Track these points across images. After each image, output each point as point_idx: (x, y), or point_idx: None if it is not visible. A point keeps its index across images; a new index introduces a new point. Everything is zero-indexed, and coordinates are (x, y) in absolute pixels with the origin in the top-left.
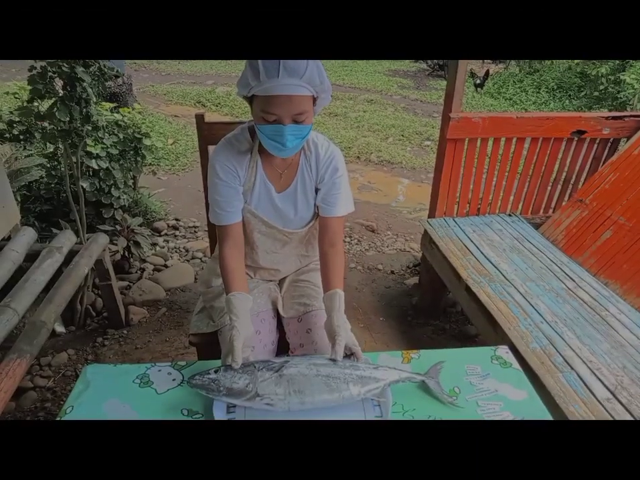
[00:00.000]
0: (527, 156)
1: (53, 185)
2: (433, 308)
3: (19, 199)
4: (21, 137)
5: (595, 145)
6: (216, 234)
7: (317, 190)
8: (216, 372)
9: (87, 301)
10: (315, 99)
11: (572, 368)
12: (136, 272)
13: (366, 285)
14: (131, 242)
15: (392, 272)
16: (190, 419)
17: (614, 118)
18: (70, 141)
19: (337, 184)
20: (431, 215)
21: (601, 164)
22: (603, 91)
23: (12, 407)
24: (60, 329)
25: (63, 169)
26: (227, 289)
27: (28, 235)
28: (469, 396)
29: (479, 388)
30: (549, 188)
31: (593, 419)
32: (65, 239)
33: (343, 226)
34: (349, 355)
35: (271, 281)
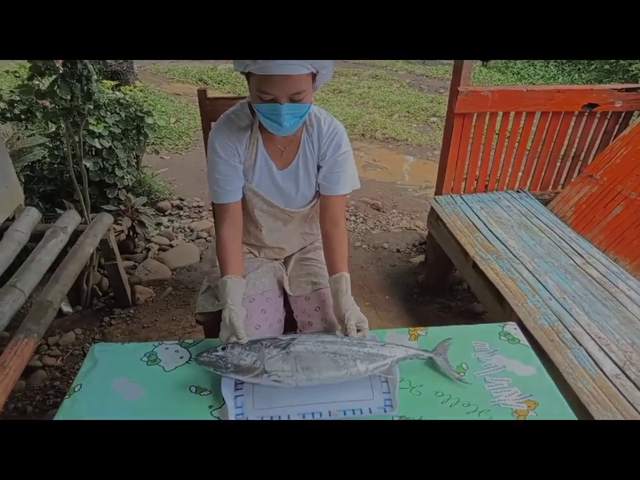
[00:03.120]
0: (536, 131)
1: (56, 165)
2: (439, 286)
3: (23, 180)
4: (23, 116)
5: (607, 119)
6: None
7: (319, 167)
8: (223, 349)
9: (93, 281)
10: (314, 75)
11: (580, 344)
12: (141, 252)
13: (371, 264)
14: (136, 222)
15: (397, 250)
16: (198, 395)
17: (627, 90)
18: (72, 120)
19: (340, 162)
20: (438, 192)
21: (612, 138)
22: (613, 64)
23: (22, 386)
24: (67, 308)
25: (65, 148)
26: (222, 271)
27: (32, 215)
28: (476, 372)
29: (487, 364)
30: (558, 163)
31: (602, 395)
32: (69, 219)
33: (345, 205)
34: (357, 330)
35: (275, 259)
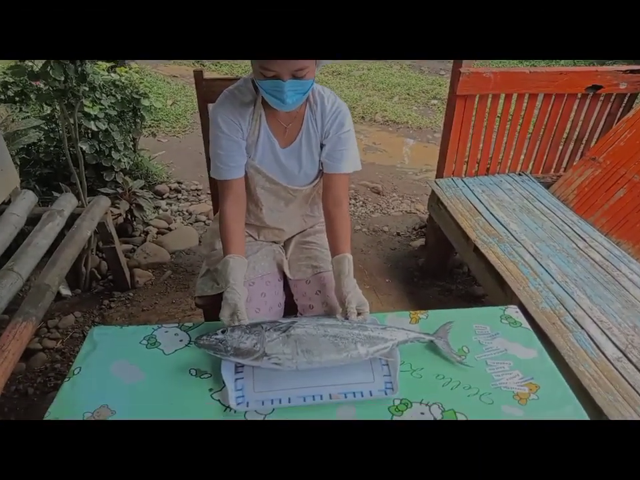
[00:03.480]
0: (538, 113)
1: (52, 148)
2: (439, 269)
3: (19, 163)
4: (16, 98)
5: (610, 101)
6: (218, 196)
7: (322, 145)
8: (223, 332)
9: (92, 264)
10: None
11: (582, 328)
12: (139, 235)
13: (371, 247)
14: (133, 205)
15: (398, 234)
16: (198, 378)
17: (632, 72)
18: (66, 102)
19: (343, 139)
20: (439, 175)
21: (616, 121)
22: None
23: (22, 368)
24: (66, 291)
25: (61, 131)
26: (225, 250)
27: (28, 199)
28: (478, 355)
29: (488, 347)
30: (561, 146)
31: (603, 378)
32: (66, 202)
33: (348, 185)
34: (358, 314)
35: (275, 242)
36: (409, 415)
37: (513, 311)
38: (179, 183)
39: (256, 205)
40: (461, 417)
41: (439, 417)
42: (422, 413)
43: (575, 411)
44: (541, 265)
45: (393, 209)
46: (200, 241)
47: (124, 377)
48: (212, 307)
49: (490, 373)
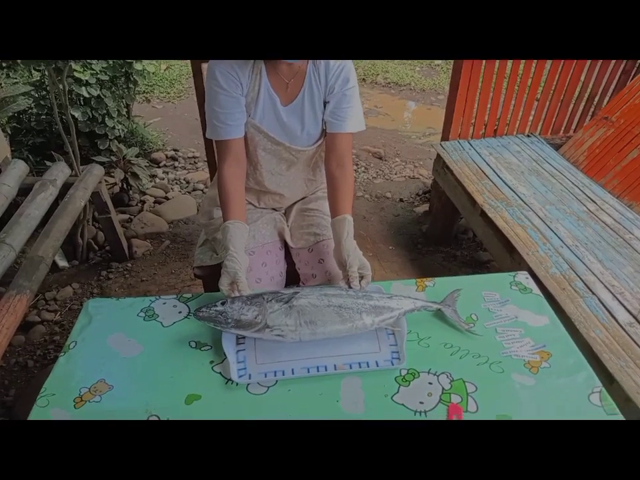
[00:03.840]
0: (549, 71)
1: (43, 116)
2: (443, 235)
3: (9, 132)
4: (3, 64)
5: None
6: (216, 160)
7: (325, 103)
8: (223, 304)
9: (88, 235)
10: None
11: (593, 293)
12: (136, 205)
13: (374, 214)
14: (129, 173)
15: (401, 200)
16: (198, 350)
17: None
18: (54, 66)
19: (348, 96)
20: (444, 137)
21: (630, 78)
22: None
23: (22, 341)
24: (63, 263)
25: (51, 97)
26: (225, 215)
27: (19, 168)
28: (487, 323)
29: (498, 315)
30: (571, 106)
31: (615, 344)
32: (58, 171)
33: (352, 145)
34: (360, 278)
35: (275, 210)
36: (417, 385)
37: (523, 277)
38: (175, 150)
39: (255, 167)
40: (470, 387)
41: (447, 387)
42: (430, 383)
43: (588, 379)
44: (550, 228)
45: (395, 174)
46: (198, 210)
47: (121, 351)
48: (211, 277)
49: (500, 340)
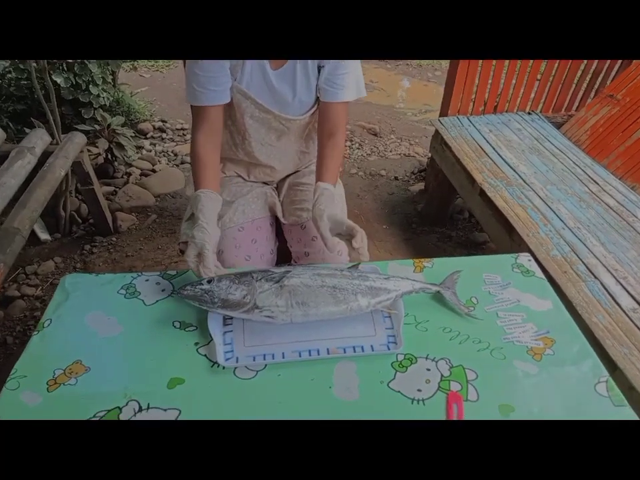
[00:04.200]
0: None
1: (23, 82)
2: (439, 215)
3: None
4: None
5: None
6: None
7: (319, 68)
8: (209, 282)
9: (71, 207)
10: None
11: (595, 277)
12: (121, 177)
13: (368, 192)
14: (113, 143)
15: (395, 178)
16: (183, 331)
17: None
18: None
19: (345, 61)
20: (443, 113)
21: None
22: None
23: (0, 316)
24: (44, 235)
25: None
26: (196, 184)
27: None
28: (487, 307)
29: (499, 298)
30: (574, 84)
31: (618, 329)
32: (37, 139)
33: (347, 114)
34: (349, 239)
35: (266, 184)
36: (414, 371)
37: (525, 259)
38: (163, 121)
39: (243, 137)
40: (470, 374)
41: (446, 374)
42: (428, 369)
43: (594, 368)
44: (551, 209)
45: (390, 151)
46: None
47: (100, 330)
48: None
49: (501, 325)
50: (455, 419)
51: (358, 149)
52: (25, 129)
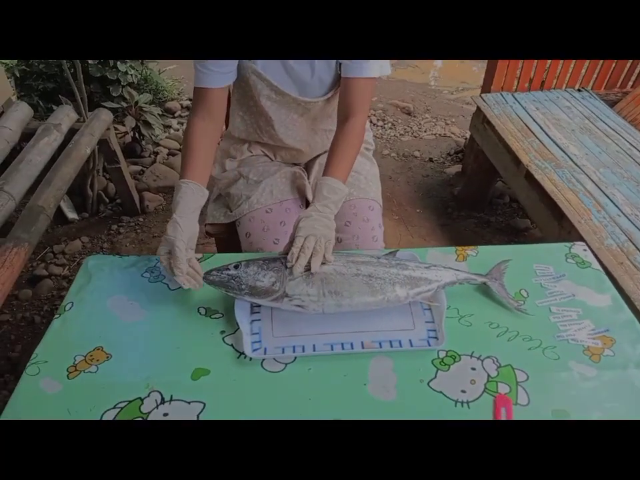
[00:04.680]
0: None
1: (52, 60)
2: (477, 199)
3: (18, 74)
4: None
5: None
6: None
7: None
8: (236, 267)
9: (98, 187)
10: None
11: None
12: (149, 156)
13: (401, 174)
14: (140, 121)
15: (430, 159)
16: (208, 318)
17: None
18: None
19: None
20: (485, 89)
21: None
22: None
23: (29, 295)
24: (72, 215)
25: None
26: (181, 172)
27: (22, 111)
28: (539, 301)
29: (552, 291)
30: None
31: None
32: (64, 115)
33: (371, 93)
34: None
35: (295, 164)
36: (458, 370)
37: (580, 248)
38: (191, 100)
39: (266, 119)
40: (520, 375)
41: (493, 374)
42: (473, 369)
43: None
44: (605, 194)
45: (425, 131)
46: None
47: (122, 315)
48: (225, 235)
49: (555, 322)
50: None
51: (391, 128)
52: (54, 107)
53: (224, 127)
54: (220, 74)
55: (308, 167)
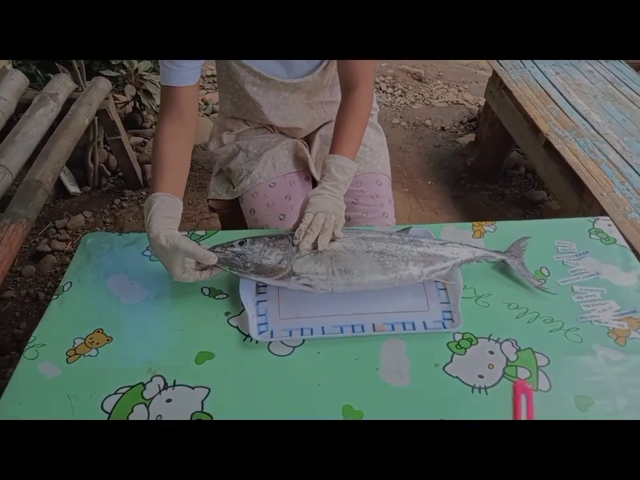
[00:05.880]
0: None
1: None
2: (491, 170)
3: None
4: None
5: None
6: None
7: None
8: (241, 244)
9: (100, 159)
10: None
11: None
12: (151, 127)
13: (411, 144)
14: (141, 90)
15: (442, 128)
16: (212, 299)
17: None
18: None
19: None
20: None
21: None
22: None
23: (32, 271)
24: (74, 189)
25: None
26: (152, 184)
27: (17, 80)
28: (561, 280)
29: (575, 270)
30: None
31: None
32: (60, 85)
33: (373, 64)
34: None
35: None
36: (474, 353)
37: (604, 223)
38: None
39: (254, 106)
40: (541, 359)
41: (512, 358)
42: (491, 352)
43: None
44: (629, 165)
45: (437, 99)
46: None
47: (122, 296)
48: (229, 211)
49: (577, 302)
50: (523, 410)
51: (401, 96)
52: (52, 76)
53: (197, 128)
54: (191, 70)
55: (309, 140)
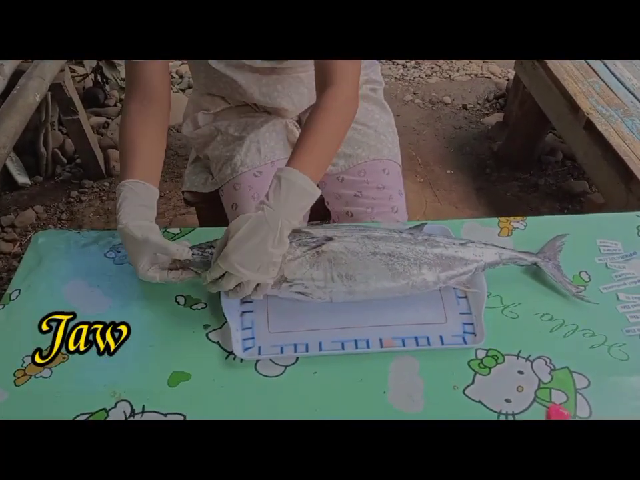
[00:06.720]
0: None
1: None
2: (523, 156)
3: None
4: None
5: None
6: None
7: None
8: None
9: (54, 144)
10: None
11: None
12: (115, 104)
13: (427, 125)
14: (102, 61)
15: (464, 107)
16: (188, 309)
17: None
18: None
19: None
20: None
21: None
22: None
23: None
24: (22, 179)
25: None
26: (122, 171)
27: None
28: (604, 286)
29: (620, 274)
30: None
31: None
32: None
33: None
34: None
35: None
36: (501, 374)
37: None
38: None
39: (229, 81)
40: (580, 381)
41: (546, 379)
42: (520, 372)
43: None
44: None
45: (457, 71)
46: None
47: (81, 306)
48: (207, 205)
49: (623, 312)
50: None
51: (414, 67)
52: None
53: (169, 106)
54: None
55: (300, 120)
